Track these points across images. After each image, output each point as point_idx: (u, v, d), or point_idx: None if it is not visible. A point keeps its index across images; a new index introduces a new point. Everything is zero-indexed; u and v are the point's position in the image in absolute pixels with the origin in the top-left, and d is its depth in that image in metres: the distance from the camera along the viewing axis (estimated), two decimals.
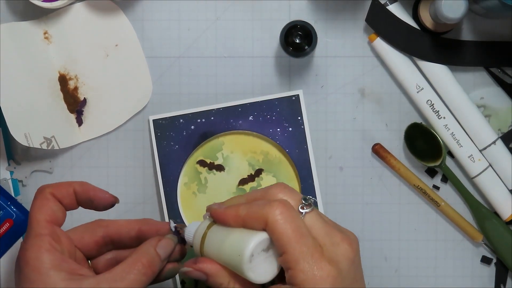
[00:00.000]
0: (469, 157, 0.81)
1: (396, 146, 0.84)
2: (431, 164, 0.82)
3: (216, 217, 0.65)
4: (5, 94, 0.79)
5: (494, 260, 0.84)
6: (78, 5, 0.83)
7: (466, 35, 0.83)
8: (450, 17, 0.75)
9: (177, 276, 0.81)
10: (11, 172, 0.84)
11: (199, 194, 0.83)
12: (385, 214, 0.84)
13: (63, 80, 0.83)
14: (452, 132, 0.81)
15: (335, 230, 0.63)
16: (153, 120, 0.82)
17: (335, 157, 0.84)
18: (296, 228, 0.61)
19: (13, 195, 0.83)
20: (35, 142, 0.80)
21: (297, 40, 0.80)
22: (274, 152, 0.83)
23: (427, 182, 0.84)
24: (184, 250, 0.69)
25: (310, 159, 0.82)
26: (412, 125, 0.82)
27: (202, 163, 0.83)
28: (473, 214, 0.84)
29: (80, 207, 0.68)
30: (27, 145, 0.80)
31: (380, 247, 0.84)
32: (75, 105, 0.83)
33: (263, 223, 0.61)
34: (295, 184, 0.82)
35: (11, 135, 0.80)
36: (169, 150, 0.82)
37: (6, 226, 0.80)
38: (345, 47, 0.83)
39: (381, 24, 0.81)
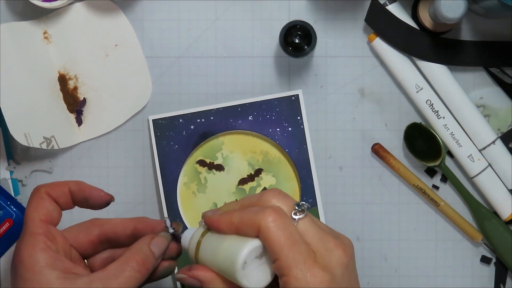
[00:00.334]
0: (468, 157, 0.82)
1: (396, 146, 0.84)
2: (431, 164, 0.82)
3: (210, 224, 0.65)
4: (5, 94, 0.79)
5: (494, 260, 0.84)
6: (77, 5, 0.83)
7: (466, 35, 0.83)
8: (449, 17, 0.75)
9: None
10: (11, 172, 0.84)
11: (199, 194, 0.83)
12: (384, 214, 0.84)
13: (62, 80, 0.83)
14: (452, 132, 0.81)
15: (329, 235, 0.62)
16: (152, 120, 0.82)
17: (335, 157, 0.84)
18: (288, 235, 0.60)
19: (13, 194, 0.83)
20: (35, 142, 0.80)
21: (297, 40, 0.80)
22: (273, 152, 0.83)
23: (427, 182, 0.84)
24: (179, 248, 0.69)
25: (309, 159, 0.82)
26: (411, 125, 0.82)
27: (201, 163, 0.83)
28: (472, 214, 0.84)
29: (76, 206, 0.69)
30: (27, 145, 0.80)
31: (380, 247, 0.84)
32: (75, 105, 0.83)
33: (256, 230, 0.61)
34: (294, 184, 0.82)
35: (11, 135, 0.80)
36: (169, 150, 0.82)
37: (6, 226, 0.80)
38: (344, 47, 0.83)
39: (380, 24, 0.82)
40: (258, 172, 0.83)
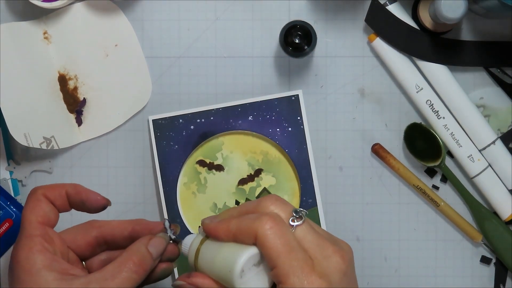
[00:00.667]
0: (468, 157, 0.82)
1: (396, 146, 0.84)
2: (431, 164, 0.82)
3: (208, 232, 0.64)
4: (5, 94, 0.79)
5: (494, 260, 0.84)
6: (77, 5, 0.83)
7: (466, 35, 0.83)
8: (449, 17, 0.75)
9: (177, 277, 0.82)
10: (11, 172, 0.84)
11: (199, 194, 0.83)
12: (385, 214, 0.84)
13: (62, 80, 0.83)
14: (452, 132, 0.81)
15: (327, 242, 0.62)
16: (152, 120, 0.82)
17: (335, 157, 0.84)
18: (285, 242, 0.60)
19: (12, 195, 0.83)
20: (35, 142, 0.80)
21: (297, 40, 0.80)
22: (273, 152, 0.83)
23: (427, 182, 0.84)
24: (177, 250, 0.69)
25: (309, 159, 0.82)
26: (411, 125, 0.82)
27: (201, 163, 0.83)
28: (472, 214, 0.84)
29: (76, 210, 0.69)
30: (26, 145, 0.80)
31: (380, 247, 0.84)
32: (75, 105, 0.83)
33: (253, 238, 0.61)
34: (294, 184, 0.82)
35: (10, 135, 0.80)
36: (169, 150, 0.82)
37: (5, 226, 0.80)
38: (344, 47, 0.83)
39: (380, 24, 0.81)
40: (258, 172, 0.83)
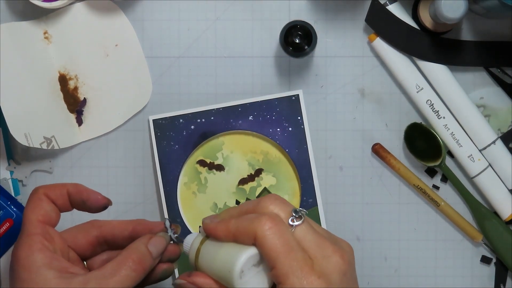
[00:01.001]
0: (468, 157, 0.82)
1: (396, 146, 0.84)
2: (431, 164, 0.82)
3: (208, 232, 0.64)
4: (5, 94, 0.79)
5: (494, 260, 0.84)
6: (78, 5, 0.83)
7: (466, 35, 0.83)
8: (449, 17, 0.75)
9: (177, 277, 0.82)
10: (11, 172, 0.84)
11: (199, 194, 0.83)
12: (385, 214, 0.84)
13: (63, 80, 0.83)
14: (452, 132, 0.81)
15: (327, 241, 0.62)
16: (153, 120, 0.82)
17: (335, 157, 0.84)
18: (285, 242, 0.60)
19: (13, 195, 0.83)
20: (35, 142, 0.80)
21: (297, 40, 0.80)
22: (274, 152, 0.83)
23: (427, 182, 0.84)
24: (178, 250, 0.69)
25: (310, 159, 0.82)
26: (412, 125, 0.82)
27: (202, 163, 0.83)
28: (472, 214, 0.84)
29: (77, 210, 0.69)
30: (27, 145, 0.80)
31: (380, 247, 0.84)
32: (75, 105, 0.83)
33: (253, 238, 0.61)
34: (295, 184, 0.82)
35: (11, 135, 0.80)
36: (169, 150, 0.82)
37: (6, 226, 0.80)
38: (345, 47, 0.83)
39: (380, 24, 0.82)
40: (259, 172, 0.83)
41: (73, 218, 0.74)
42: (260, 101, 0.82)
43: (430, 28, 0.81)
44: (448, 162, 0.84)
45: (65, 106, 0.83)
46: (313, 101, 0.84)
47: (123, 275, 0.62)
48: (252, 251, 0.61)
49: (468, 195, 0.83)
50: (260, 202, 0.63)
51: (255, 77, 0.84)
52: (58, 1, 0.80)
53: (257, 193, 0.82)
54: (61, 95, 0.83)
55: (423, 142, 0.82)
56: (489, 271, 0.84)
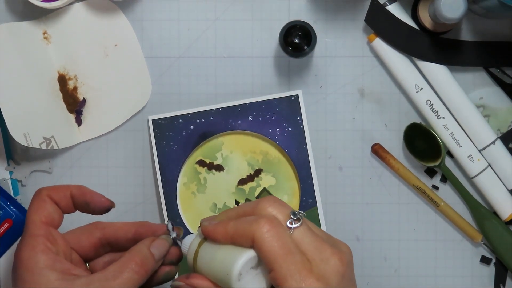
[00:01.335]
0: (468, 157, 0.81)
1: (396, 146, 0.84)
2: (431, 164, 0.82)
3: (206, 234, 0.64)
4: (5, 94, 0.79)
5: (494, 260, 0.84)
6: (77, 5, 0.83)
7: (466, 35, 0.83)
8: (449, 17, 0.75)
9: (177, 276, 0.81)
10: (11, 172, 0.84)
11: (199, 194, 0.83)
12: (384, 214, 0.84)
13: (62, 80, 0.83)
14: (452, 132, 0.81)
15: (325, 244, 0.62)
16: (152, 120, 0.82)
17: (335, 157, 0.84)
18: (283, 245, 0.60)
19: (12, 195, 0.83)
20: (35, 142, 0.80)
21: (297, 40, 0.80)
22: (273, 152, 0.83)
23: (427, 182, 0.84)
24: (180, 253, 0.69)
25: (309, 159, 0.82)
26: (411, 125, 0.82)
27: (201, 163, 0.83)
28: (472, 214, 0.84)
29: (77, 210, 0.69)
30: (26, 145, 0.80)
31: (380, 247, 0.84)
32: (75, 105, 0.83)
33: (251, 241, 0.61)
34: (294, 184, 0.82)
35: (10, 135, 0.80)
36: (169, 150, 0.82)
37: (5, 226, 0.80)
38: (344, 47, 0.83)
39: (380, 24, 0.81)
40: (258, 172, 0.83)
41: (73, 219, 0.74)
42: (260, 101, 0.82)
43: (429, 28, 0.81)
44: (448, 162, 0.84)
45: (64, 106, 0.83)
46: (312, 101, 0.84)
47: (125, 278, 0.62)
48: (250, 254, 0.61)
49: (467, 195, 0.83)
50: (258, 204, 0.63)
51: (254, 77, 0.84)
52: (57, 1, 0.80)
53: (256, 193, 0.82)
54: (60, 95, 0.83)
55: (422, 142, 0.82)
56: (489, 271, 0.84)
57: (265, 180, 0.83)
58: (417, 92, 0.82)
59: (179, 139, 0.82)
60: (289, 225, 0.61)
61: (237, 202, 0.82)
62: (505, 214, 0.82)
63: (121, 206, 0.84)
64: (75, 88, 0.83)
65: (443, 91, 0.82)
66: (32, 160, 0.84)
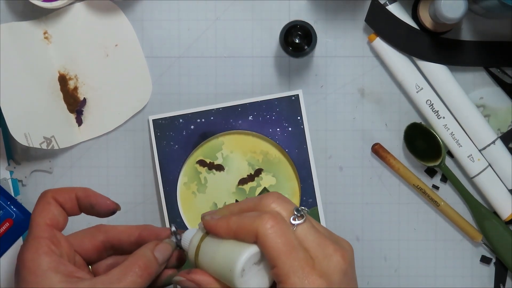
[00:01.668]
0: (468, 157, 0.82)
1: (396, 146, 0.84)
2: (431, 164, 0.82)
3: (208, 228, 0.64)
4: (5, 94, 0.79)
5: (494, 260, 0.84)
6: (78, 5, 0.83)
7: (466, 35, 0.83)
8: (449, 17, 0.75)
9: None
10: (11, 172, 0.84)
11: (199, 194, 0.83)
12: (384, 214, 0.84)
13: (63, 80, 0.83)
14: (452, 132, 0.81)
15: (328, 241, 0.61)
16: (152, 120, 0.82)
17: (335, 157, 0.84)
18: (286, 241, 0.60)
19: (13, 195, 0.83)
20: (35, 142, 0.80)
21: (297, 40, 0.80)
22: (273, 152, 0.83)
23: (427, 182, 0.84)
24: (183, 256, 0.69)
25: (309, 159, 0.82)
26: (411, 125, 0.82)
27: (201, 163, 0.83)
28: (472, 214, 0.84)
29: (82, 213, 0.69)
30: (27, 145, 0.80)
31: (380, 247, 0.84)
32: (75, 105, 0.83)
33: (254, 237, 0.60)
34: (294, 184, 0.82)
35: (11, 135, 0.80)
36: (169, 150, 0.82)
37: (6, 226, 0.80)
38: (344, 47, 0.83)
39: (380, 24, 0.82)
40: (258, 172, 0.83)
41: (73, 219, 0.74)
42: (260, 101, 0.82)
43: (430, 28, 0.81)
44: (448, 162, 0.84)
45: (65, 106, 0.83)
46: (313, 101, 0.84)
47: (129, 281, 0.62)
48: (253, 250, 0.61)
49: (467, 195, 0.83)
50: (261, 200, 0.63)
51: (255, 77, 0.84)
52: (58, 1, 0.80)
53: (256, 193, 0.83)
54: (61, 95, 0.83)
55: (422, 142, 0.82)
56: (489, 271, 0.84)
57: (266, 180, 0.83)
58: (417, 92, 0.82)
59: (180, 139, 0.82)
60: (293, 222, 0.61)
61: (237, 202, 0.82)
62: (505, 214, 0.82)
63: (122, 206, 0.83)
64: (75, 88, 0.83)
65: (443, 91, 0.82)
66: (33, 160, 0.84)
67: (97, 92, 0.83)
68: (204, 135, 0.82)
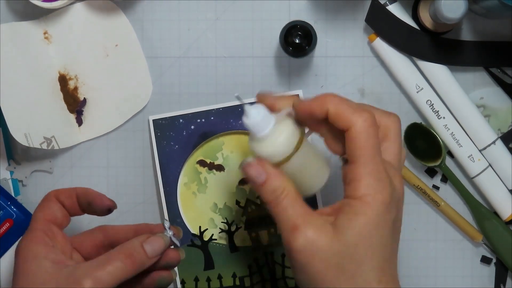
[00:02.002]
0: (469, 157, 0.82)
1: None
2: (431, 164, 0.82)
3: (302, 110, 0.64)
4: (5, 94, 0.79)
5: (494, 260, 0.84)
6: (78, 5, 0.83)
7: (466, 35, 0.83)
8: (449, 17, 0.75)
9: (177, 277, 0.81)
10: (11, 172, 0.84)
11: (199, 194, 0.83)
12: None
13: (63, 80, 0.83)
14: (452, 132, 0.81)
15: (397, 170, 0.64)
16: (153, 120, 0.82)
17: (335, 157, 0.84)
18: (375, 144, 0.61)
19: (13, 195, 0.83)
20: (35, 142, 0.80)
21: (297, 40, 0.80)
22: None
23: (427, 182, 0.84)
24: (177, 255, 0.69)
25: None
26: (412, 125, 0.82)
27: (202, 163, 0.83)
28: (472, 214, 0.84)
29: (85, 213, 0.71)
30: (27, 145, 0.80)
31: None
32: (75, 105, 0.83)
33: (347, 126, 0.61)
34: None
35: (11, 135, 0.80)
36: (169, 150, 0.82)
37: (6, 226, 0.80)
38: (345, 47, 0.83)
39: (381, 24, 0.82)
40: None
41: (74, 219, 0.74)
42: None
43: (430, 28, 0.81)
44: (448, 162, 0.84)
45: (65, 106, 0.83)
46: None
47: (112, 267, 0.63)
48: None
49: (468, 195, 0.83)
50: (357, 104, 0.63)
51: (255, 77, 0.84)
52: (58, 1, 0.80)
53: (256, 194, 0.82)
54: (61, 95, 0.83)
55: (423, 142, 0.82)
56: (489, 271, 0.84)
57: None
58: (417, 92, 0.82)
59: (180, 139, 0.82)
60: None
61: (237, 202, 0.82)
62: (505, 214, 0.82)
63: (121, 206, 0.84)
64: (75, 88, 0.83)
65: (443, 91, 0.82)
66: (33, 160, 0.84)
67: (97, 92, 0.83)
68: (205, 135, 0.82)
